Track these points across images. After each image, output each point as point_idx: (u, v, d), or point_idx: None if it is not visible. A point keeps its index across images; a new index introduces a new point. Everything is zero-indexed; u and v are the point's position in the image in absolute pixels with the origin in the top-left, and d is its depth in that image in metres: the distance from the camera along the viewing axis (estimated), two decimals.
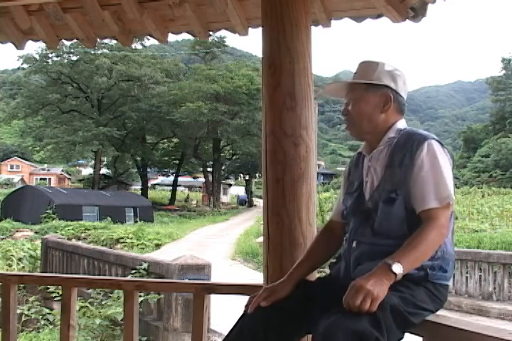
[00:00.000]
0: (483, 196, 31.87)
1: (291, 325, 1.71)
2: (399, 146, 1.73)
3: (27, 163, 59.01)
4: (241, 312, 1.80)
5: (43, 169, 57.99)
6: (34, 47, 52.25)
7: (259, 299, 1.75)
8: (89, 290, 7.45)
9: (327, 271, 1.91)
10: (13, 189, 33.25)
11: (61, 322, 2.43)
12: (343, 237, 1.92)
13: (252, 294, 1.83)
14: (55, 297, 7.63)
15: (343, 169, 2.06)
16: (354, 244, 1.75)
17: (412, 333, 1.66)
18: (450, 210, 1.66)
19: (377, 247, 1.68)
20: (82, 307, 6.90)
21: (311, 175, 2.27)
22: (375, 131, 1.79)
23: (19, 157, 59.14)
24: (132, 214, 27.56)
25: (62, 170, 59.10)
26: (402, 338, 1.59)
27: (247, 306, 1.78)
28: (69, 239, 17.17)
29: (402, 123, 1.80)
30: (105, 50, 37.77)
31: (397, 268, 1.49)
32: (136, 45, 39.43)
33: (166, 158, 44.67)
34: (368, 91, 1.77)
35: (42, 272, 10.69)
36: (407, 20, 2.66)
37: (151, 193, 44.78)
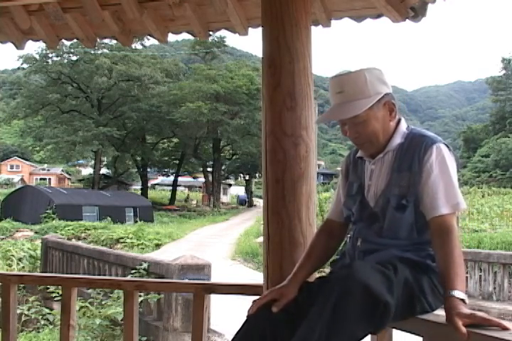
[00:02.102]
0: (483, 196, 31.88)
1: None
2: (404, 149, 1.71)
3: (27, 163, 59.02)
4: (241, 316, 1.79)
5: (43, 169, 57.99)
6: (34, 47, 52.34)
7: (262, 300, 1.72)
8: (89, 290, 7.45)
9: (327, 270, 1.91)
10: (13, 189, 33.26)
11: (61, 322, 2.43)
12: (342, 237, 1.92)
13: (254, 297, 1.81)
14: (55, 297, 7.63)
15: None
16: (359, 242, 1.75)
17: (412, 333, 1.66)
18: (457, 215, 1.66)
19: (382, 247, 1.68)
20: (82, 307, 6.90)
21: (311, 175, 2.27)
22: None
23: (19, 157, 59.15)
24: (132, 214, 27.56)
25: (62, 170, 59.10)
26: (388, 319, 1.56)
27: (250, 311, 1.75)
28: (69, 239, 17.18)
29: (403, 125, 1.77)
30: (105, 50, 37.77)
31: (462, 295, 1.48)
32: (136, 45, 39.48)
33: (166, 158, 44.68)
34: (373, 108, 1.68)
35: (42, 272, 10.68)
36: (407, 20, 2.66)
37: (151, 193, 44.78)
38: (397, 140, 1.73)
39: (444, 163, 1.64)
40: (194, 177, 51.29)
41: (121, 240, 18.87)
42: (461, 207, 1.62)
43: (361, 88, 1.69)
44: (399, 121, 1.77)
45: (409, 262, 1.63)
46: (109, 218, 24.38)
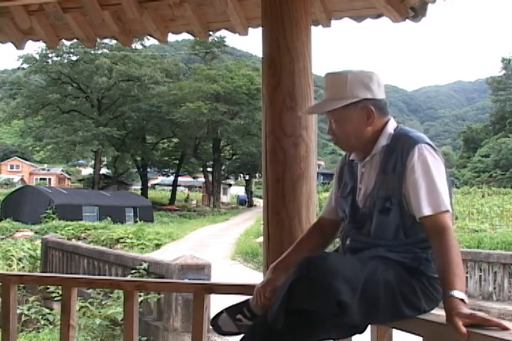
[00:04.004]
0: (483, 196, 31.88)
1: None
2: (390, 150, 1.70)
3: (27, 163, 59.02)
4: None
5: (43, 169, 58.00)
6: (34, 47, 52.33)
7: (265, 298, 1.75)
8: (89, 290, 7.45)
9: None
10: (13, 189, 33.24)
11: (61, 322, 2.42)
12: (333, 235, 1.94)
13: (252, 295, 1.84)
14: (55, 297, 7.63)
15: None
16: (348, 241, 1.77)
17: (412, 333, 1.66)
18: (450, 213, 1.62)
19: (370, 246, 1.69)
20: (82, 307, 6.90)
21: (311, 175, 2.27)
22: (366, 143, 1.75)
23: (19, 157, 59.14)
24: (132, 214, 27.55)
25: (62, 170, 59.10)
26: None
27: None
28: (69, 239, 17.17)
29: (391, 125, 1.76)
30: (105, 50, 37.76)
31: (461, 294, 1.46)
32: (136, 45, 39.44)
33: (166, 158, 44.68)
34: (348, 109, 1.71)
35: (42, 272, 10.68)
36: (407, 20, 2.67)
37: (151, 193, 44.78)
38: (383, 142, 1.73)
39: (425, 163, 1.62)
40: (194, 177, 51.28)
41: (121, 240, 18.86)
42: (442, 208, 1.59)
43: (340, 89, 1.73)
44: (386, 122, 1.76)
45: (394, 264, 1.62)
46: (109, 218, 24.37)
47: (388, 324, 1.78)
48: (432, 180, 1.61)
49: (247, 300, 1.87)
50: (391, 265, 1.61)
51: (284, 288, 1.58)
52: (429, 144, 1.67)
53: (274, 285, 1.77)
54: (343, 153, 1.94)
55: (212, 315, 1.92)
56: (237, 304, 1.90)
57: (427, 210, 1.58)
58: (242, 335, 1.78)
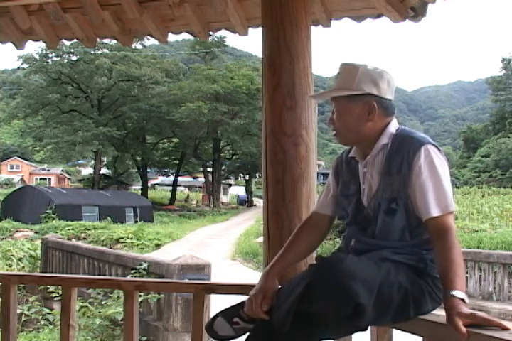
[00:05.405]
0: (483, 196, 31.88)
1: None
2: (394, 151, 1.69)
3: (27, 163, 59.02)
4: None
5: (43, 169, 58.00)
6: (34, 47, 52.36)
7: (258, 308, 1.73)
8: (89, 290, 7.45)
9: None
10: (13, 189, 33.23)
11: (61, 322, 2.42)
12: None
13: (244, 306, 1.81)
14: (55, 297, 7.63)
15: None
16: (352, 242, 1.76)
17: (412, 333, 1.66)
18: (453, 214, 1.65)
19: (375, 247, 1.68)
20: (82, 307, 6.89)
21: (311, 175, 2.27)
22: (364, 139, 1.75)
23: (19, 157, 59.15)
24: (132, 214, 27.54)
25: (62, 170, 59.10)
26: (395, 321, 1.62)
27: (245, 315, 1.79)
28: (69, 239, 17.18)
29: (393, 126, 1.75)
30: (105, 50, 37.78)
31: (462, 294, 1.46)
32: (136, 45, 39.43)
33: (166, 158, 44.69)
34: (351, 101, 1.72)
35: (42, 272, 10.68)
36: (407, 20, 2.67)
37: (151, 193, 44.78)
38: (383, 141, 1.73)
39: (432, 164, 1.63)
40: (194, 177, 51.28)
41: (121, 240, 18.86)
42: (450, 209, 1.60)
43: (348, 80, 1.74)
44: (389, 122, 1.76)
45: (402, 266, 1.62)
46: (109, 218, 24.35)
47: (389, 324, 1.78)
48: (440, 181, 1.62)
49: (242, 302, 1.84)
50: (401, 267, 1.61)
51: (294, 291, 1.57)
52: (434, 145, 1.67)
53: (267, 293, 1.74)
54: None
55: (212, 316, 1.90)
56: (232, 307, 1.87)
57: (435, 211, 1.59)
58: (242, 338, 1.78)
